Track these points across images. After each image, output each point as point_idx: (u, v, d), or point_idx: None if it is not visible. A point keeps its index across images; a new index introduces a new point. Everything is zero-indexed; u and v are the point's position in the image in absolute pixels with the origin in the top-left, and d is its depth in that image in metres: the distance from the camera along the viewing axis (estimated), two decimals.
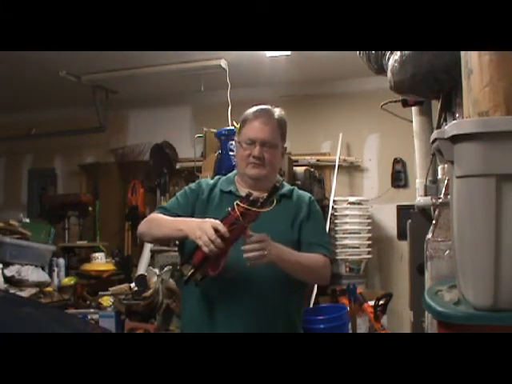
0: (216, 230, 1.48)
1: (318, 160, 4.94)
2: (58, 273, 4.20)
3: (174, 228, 1.65)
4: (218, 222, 1.51)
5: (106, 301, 3.51)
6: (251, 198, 1.48)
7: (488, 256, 0.99)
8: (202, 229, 1.50)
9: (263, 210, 1.48)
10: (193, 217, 1.71)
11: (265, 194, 1.52)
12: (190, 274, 1.54)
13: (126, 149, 5.61)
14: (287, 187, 1.83)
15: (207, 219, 1.55)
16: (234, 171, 1.89)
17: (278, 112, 1.79)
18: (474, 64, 1.07)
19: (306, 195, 1.85)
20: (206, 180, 1.89)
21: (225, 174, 1.92)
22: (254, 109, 1.79)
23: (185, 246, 1.73)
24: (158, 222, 1.73)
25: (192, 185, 1.85)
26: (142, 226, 1.79)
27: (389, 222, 4.83)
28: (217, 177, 1.91)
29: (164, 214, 1.74)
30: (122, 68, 4.51)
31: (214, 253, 1.49)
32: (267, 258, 1.52)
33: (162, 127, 5.40)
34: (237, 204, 1.49)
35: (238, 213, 1.47)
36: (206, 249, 1.48)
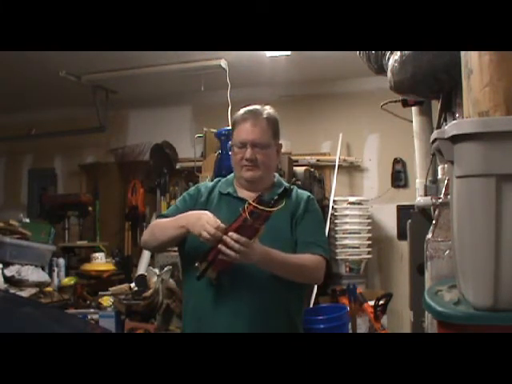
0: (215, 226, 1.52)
1: (318, 160, 4.94)
2: (58, 273, 4.20)
3: (176, 226, 1.66)
4: (211, 216, 1.56)
5: (106, 301, 3.51)
6: (261, 199, 1.50)
7: (488, 256, 0.99)
8: (202, 226, 1.54)
9: (271, 210, 1.49)
10: None
11: (275, 196, 1.53)
12: (203, 268, 1.58)
13: (126, 149, 5.61)
14: (288, 187, 1.83)
15: (204, 213, 1.59)
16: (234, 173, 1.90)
17: (267, 110, 1.78)
18: (474, 64, 1.07)
19: (305, 194, 1.84)
20: (205, 183, 1.89)
21: (225, 175, 1.92)
22: (242, 111, 1.78)
23: (185, 246, 1.73)
24: (159, 226, 1.75)
25: (191, 190, 1.86)
26: (145, 235, 1.80)
27: (389, 222, 4.83)
28: (216, 179, 1.91)
29: None
30: (122, 68, 4.51)
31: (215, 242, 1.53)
32: (244, 259, 1.54)
33: (161, 127, 5.40)
34: (248, 203, 1.50)
35: (246, 212, 1.48)
36: (206, 239, 1.54)
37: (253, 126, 1.73)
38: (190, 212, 1.67)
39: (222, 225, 1.53)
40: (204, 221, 1.55)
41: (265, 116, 1.76)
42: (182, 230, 1.64)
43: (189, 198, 1.82)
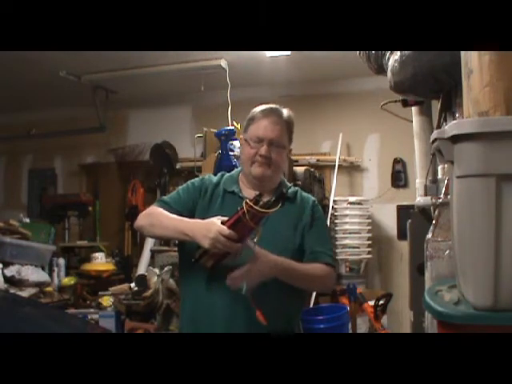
0: (223, 235, 1.50)
1: (318, 160, 4.94)
2: (58, 273, 4.20)
3: (178, 231, 1.62)
4: (222, 226, 1.52)
5: (106, 301, 3.51)
6: (258, 199, 1.50)
7: (488, 256, 0.99)
8: (214, 239, 1.50)
9: (268, 211, 1.49)
10: (194, 213, 1.70)
11: (273, 198, 1.53)
12: (199, 254, 1.57)
13: (126, 149, 5.62)
14: (291, 189, 1.80)
15: (211, 222, 1.55)
16: (239, 169, 1.86)
17: (286, 113, 1.77)
18: (474, 64, 1.07)
19: (310, 198, 1.82)
20: (210, 177, 1.84)
21: None
22: (264, 107, 1.77)
23: (184, 245, 1.72)
24: (160, 220, 1.68)
25: (195, 180, 1.82)
26: (142, 220, 1.74)
27: (389, 222, 4.83)
28: (220, 174, 1.86)
29: (164, 208, 1.71)
30: (122, 68, 4.52)
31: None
32: (259, 277, 1.55)
33: (161, 127, 5.40)
34: (245, 202, 1.50)
35: (243, 210, 1.49)
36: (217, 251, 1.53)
37: (274, 123, 1.72)
38: (197, 222, 1.62)
39: (233, 233, 1.51)
40: (215, 233, 1.51)
41: (285, 118, 1.75)
42: (184, 237, 1.61)
43: (192, 189, 1.78)
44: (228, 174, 1.84)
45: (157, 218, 1.70)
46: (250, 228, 1.51)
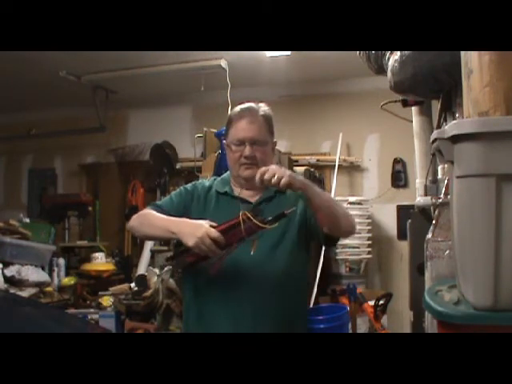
0: (211, 238, 1.48)
1: (318, 160, 4.94)
2: (58, 273, 4.20)
3: (165, 229, 1.62)
4: (211, 229, 1.50)
5: (106, 301, 3.52)
6: (256, 211, 1.50)
7: (488, 256, 0.99)
8: (200, 239, 1.48)
9: (264, 226, 1.48)
10: (186, 217, 1.69)
11: (270, 217, 1.51)
12: (176, 252, 1.58)
13: (126, 149, 5.62)
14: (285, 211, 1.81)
15: (200, 223, 1.54)
16: (228, 172, 1.88)
17: (262, 108, 1.77)
18: (474, 64, 1.07)
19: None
20: (202, 182, 1.87)
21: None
22: (238, 108, 1.78)
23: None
24: (149, 220, 1.69)
25: (188, 186, 1.84)
26: (133, 221, 1.74)
27: (389, 222, 4.83)
28: (212, 178, 1.90)
29: (157, 211, 1.71)
30: (122, 68, 4.52)
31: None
32: (287, 178, 1.48)
33: (161, 127, 5.40)
34: (243, 213, 1.49)
35: (239, 219, 1.47)
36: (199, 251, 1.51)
37: (250, 123, 1.72)
38: (185, 220, 1.61)
39: (221, 237, 1.49)
40: (203, 233, 1.48)
41: (261, 113, 1.75)
42: (170, 235, 1.61)
43: (185, 193, 1.79)
44: (219, 178, 1.87)
45: (147, 218, 1.71)
46: (240, 238, 1.50)
